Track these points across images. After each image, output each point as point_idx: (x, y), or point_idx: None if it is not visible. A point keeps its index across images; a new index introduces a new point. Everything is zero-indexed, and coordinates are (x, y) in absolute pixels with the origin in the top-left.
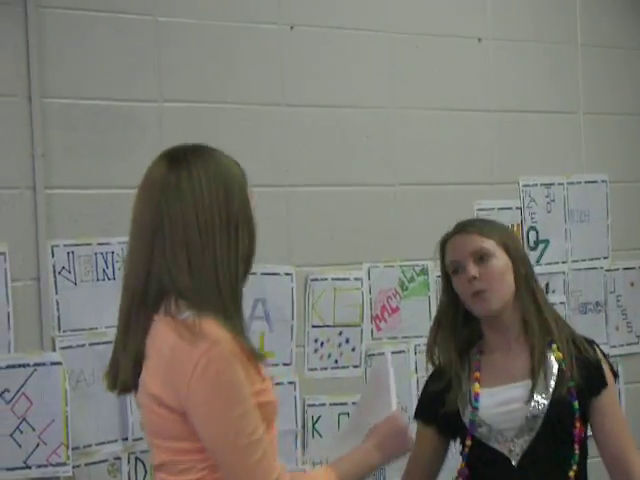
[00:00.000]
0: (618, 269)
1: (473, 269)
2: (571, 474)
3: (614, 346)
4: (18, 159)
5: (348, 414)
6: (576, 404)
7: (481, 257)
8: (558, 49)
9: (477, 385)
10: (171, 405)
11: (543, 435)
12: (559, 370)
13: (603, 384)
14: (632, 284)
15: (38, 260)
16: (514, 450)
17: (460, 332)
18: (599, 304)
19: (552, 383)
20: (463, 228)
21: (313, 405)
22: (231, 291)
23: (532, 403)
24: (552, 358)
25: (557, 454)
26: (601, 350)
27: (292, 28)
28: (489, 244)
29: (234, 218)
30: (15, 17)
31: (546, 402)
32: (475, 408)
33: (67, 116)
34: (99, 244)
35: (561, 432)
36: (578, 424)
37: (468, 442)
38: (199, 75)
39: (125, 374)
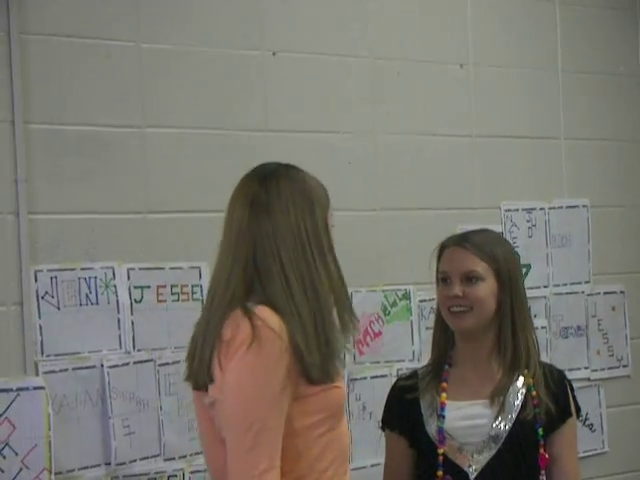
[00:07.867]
0: (599, 293)
1: (458, 288)
2: None
3: (595, 370)
4: (1, 184)
5: None
6: (541, 431)
7: (470, 278)
8: (539, 75)
9: (444, 395)
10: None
11: (503, 454)
12: (527, 394)
13: (568, 414)
14: (613, 308)
15: (21, 285)
16: (473, 466)
17: (438, 338)
18: (580, 328)
19: (518, 405)
20: (464, 241)
21: None
22: (312, 303)
23: (496, 421)
24: (522, 381)
25: (518, 477)
26: (569, 382)
27: (274, 54)
28: (482, 267)
29: (317, 235)
30: None
31: (510, 422)
32: (442, 416)
33: (50, 141)
34: (82, 269)
35: (521, 455)
36: (542, 450)
37: (441, 451)
38: (182, 101)
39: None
